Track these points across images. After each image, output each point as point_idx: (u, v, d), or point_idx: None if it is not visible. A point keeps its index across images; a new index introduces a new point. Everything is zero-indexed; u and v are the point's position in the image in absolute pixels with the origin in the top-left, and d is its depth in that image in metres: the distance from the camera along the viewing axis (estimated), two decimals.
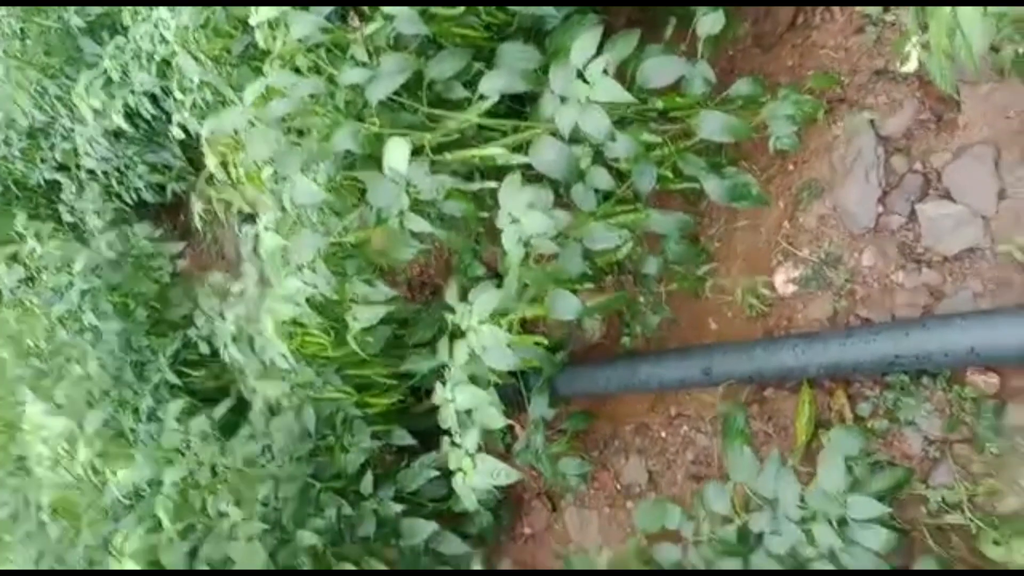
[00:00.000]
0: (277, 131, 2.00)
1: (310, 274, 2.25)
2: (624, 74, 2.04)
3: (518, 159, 2.14)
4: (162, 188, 4.50)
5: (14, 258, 3.91)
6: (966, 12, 1.51)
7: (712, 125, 2.09)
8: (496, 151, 2.14)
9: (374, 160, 2.15)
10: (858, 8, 2.26)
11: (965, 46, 1.56)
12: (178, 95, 2.48)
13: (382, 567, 2.50)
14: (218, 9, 2.30)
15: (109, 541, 2.43)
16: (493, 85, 1.98)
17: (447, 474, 2.36)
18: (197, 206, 3.10)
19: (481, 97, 2.05)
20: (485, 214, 2.30)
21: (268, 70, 2.01)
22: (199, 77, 2.15)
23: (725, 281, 2.46)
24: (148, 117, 3.57)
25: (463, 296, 2.17)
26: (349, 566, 2.46)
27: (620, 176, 2.26)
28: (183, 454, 2.60)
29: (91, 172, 4.46)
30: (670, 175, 2.27)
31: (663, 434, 2.61)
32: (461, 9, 2.05)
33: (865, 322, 2.17)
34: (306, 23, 1.98)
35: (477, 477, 2.13)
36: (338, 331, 2.51)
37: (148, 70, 2.91)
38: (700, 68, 2.03)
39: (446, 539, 2.59)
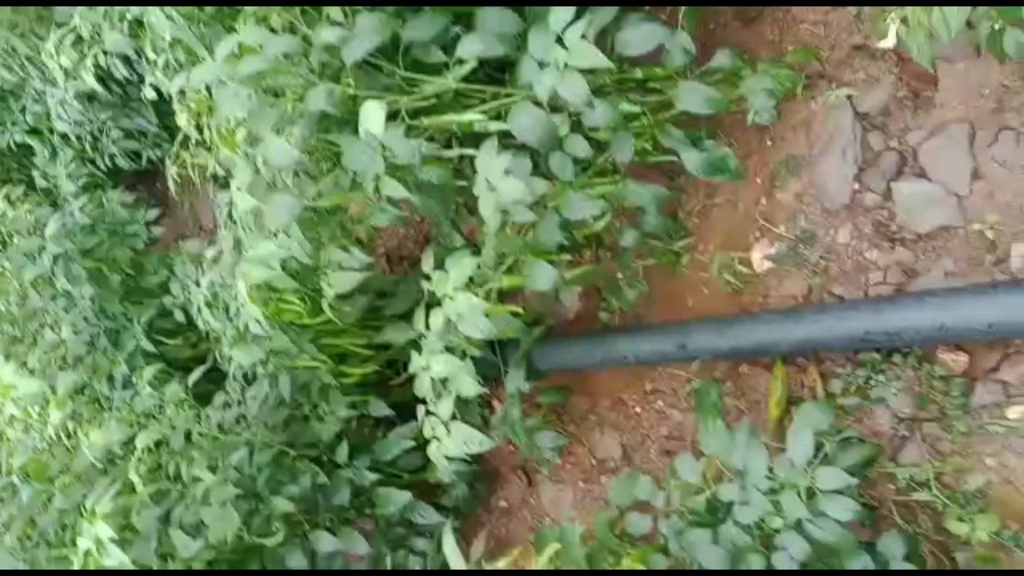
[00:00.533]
0: (249, 89, 1.96)
1: (284, 239, 2.22)
2: (605, 44, 2.02)
3: (496, 126, 2.12)
4: (137, 155, 4.42)
5: None
6: None
7: (691, 96, 2.08)
8: (474, 117, 2.12)
9: (350, 123, 2.12)
10: None
11: (943, 20, 1.56)
12: (150, 54, 2.43)
13: (356, 536, 2.50)
14: None
15: (82, 505, 2.41)
16: (472, 49, 1.95)
17: (423, 446, 2.37)
18: (172, 170, 3.04)
19: (459, 61, 2.02)
20: (463, 183, 2.28)
21: (241, 28, 1.97)
22: (171, 34, 2.10)
23: (702, 257, 2.47)
24: (121, 79, 3.49)
25: (439, 264, 2.16)
26: (324, 534, 2.46)
27: (599, 147, 2.24)
28: (157, 419, 2.58)
29: (64, 136, 4.37)
30: (649, 147, 2.27)
31: (638, 409, 2.62)
32: None
33: (838, 299, 2.18)
34: None
35: (451, 445, 2.13)
36: (314, 299, 2.49)
37: (120, 29, 2.83)
38: (680, 38, 2.01)
39: (421, 509, 2.60)
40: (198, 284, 2.80)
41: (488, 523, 2.84)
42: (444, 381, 2.14)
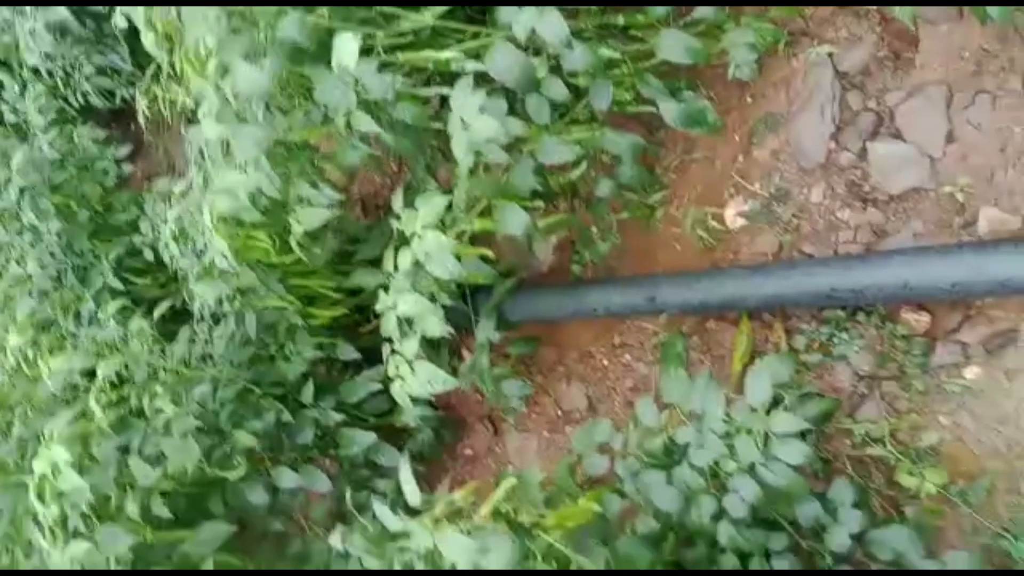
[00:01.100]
0: (218, 11, 1.91)
1: (253, 172, 2.18)
2: None
3: (473, 65, 2.08)
4: (111, 94, 4.31)
5: None
6: None
7: (672, 45, 2.05)
8: (451, 55, 2.08)
9: (323, 56, 2.07)
10: None
11: None
12: None
13: (318, 474, 2.51)
14: None
15: (41, 433, 2.39)
16: None
17: (390, 390, 2.36)
18: (142, 103, 2.96)
19: None
20: (439, 125, 2.24)
21: None
22: None
23: (676, 213, 2.46)
24: (93, 11, 3.38)
25: (410, 204, 2.13)
26: (285, 470, 2.47)
27: (577, 93, 2.22)
28: (120, 350, 2.55)
29: (35, 71, 4.24)
30: (628, 97, 2.24)
31: (605, 362, 2.64)
32: None
33: (807, 257, 2.19)
34: None
35: (415, 383, 2.12)
36: (283, 237, 2.45)
37: None
38: None
39: (384, 450, 2.61)
40: (166, 221, 2.74)
41: (452, 470, 2.86)
42: (410, 321, 2.13)
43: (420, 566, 1.85)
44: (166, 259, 2.84)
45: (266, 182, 2.23)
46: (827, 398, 2.01)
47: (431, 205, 2.01)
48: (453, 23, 2.10)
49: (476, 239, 2.27)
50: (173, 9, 2.04)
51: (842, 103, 2.18)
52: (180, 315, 3.04)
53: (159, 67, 2.61)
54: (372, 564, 2.11)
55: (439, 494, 1.87)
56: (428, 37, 2.15)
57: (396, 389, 2.20)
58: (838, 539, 1.70)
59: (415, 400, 2.30)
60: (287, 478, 2.47)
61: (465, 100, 1.96)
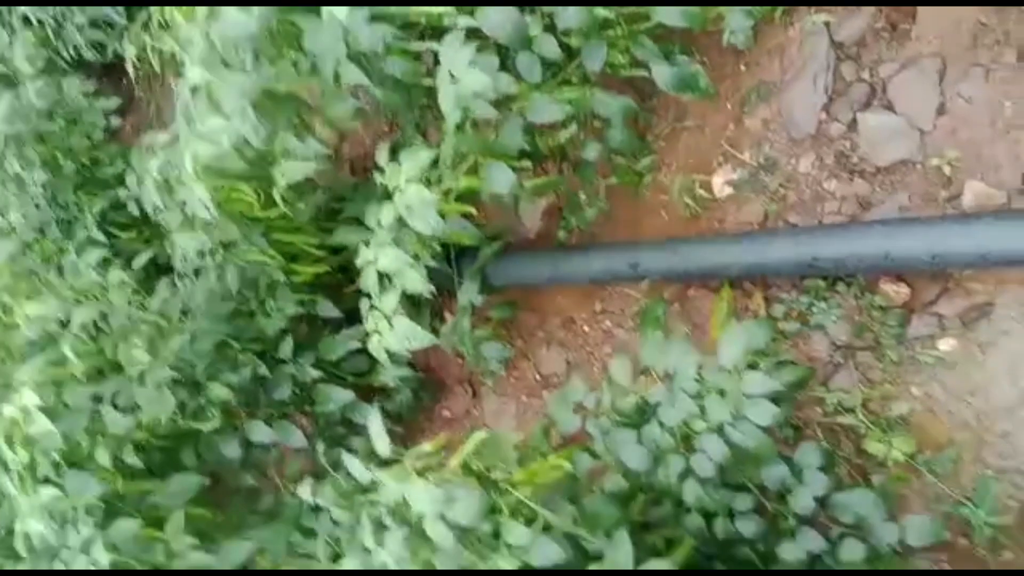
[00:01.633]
0: None
1: (238, 121, 2.15)
2: None
3: (466, 21, 2.05)
4: (102, 47, 4.26)
5: None
6: None
7: (669, 8, 2.02)
8: (443, 9, 2.05)
9: (314, 4, 2.04)
10: None
11: None
12: None
13: (293, 429, 2.50)
14: None
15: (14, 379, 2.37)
16: None
17: (368, 348, 2.35)
18: (130, 51, 2.91)
19: None
20: (429, 82, 2.21)
21: None
22: None
23: (664, 180, 2.44)
24: None
25: (395, 158, 2.11)
26: (259, 424, 2.46)
27: (569, 54, 2.19)
28: (97, 298, 2.53)
29: (25, 19, 4.18)
30: (621, 60, 2.21)
31: (586, 328, 2.63)
32: None
33: (791, 227, 2.18)
34: None
35: (393, 339, 2.11)
36: (267, 192, 2.43)
37: None
38: None
39: (361, 409, 2.60)
40: (150, 171, 2.71)
41: (429, 431, 2.86)
42: (390, 276, 2.11)
43: (389, 520, 1.85)
44: (150, 211, 2.81)
45: (251, 132, 2.20)
46: (801, 366, 2.01)
47: (415, 159, 1.99)
48: None
49: (463, 201, 2.25)
50: None
51: (836, 73, 2.16)
52: (164, 271, 3.02)
53: (149, 15, 2.57)
54: (342, 517, 2.11)
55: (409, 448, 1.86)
56: None
57: (374, 344, 2.19)
58: (802, 501, 1.71)
59: (392, 357, 2.29)
60: (261, 432, 2.47)
61: (455, 53, 1.93)
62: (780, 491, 1.76)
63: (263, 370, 2.51)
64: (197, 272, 2.77)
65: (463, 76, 1.93)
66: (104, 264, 2.88)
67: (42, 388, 2.17)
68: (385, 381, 2.69)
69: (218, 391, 2.37)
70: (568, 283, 2.57)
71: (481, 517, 1.66)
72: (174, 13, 2.31)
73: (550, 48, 2.06)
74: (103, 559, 2.16)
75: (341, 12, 1.99)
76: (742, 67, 2.34)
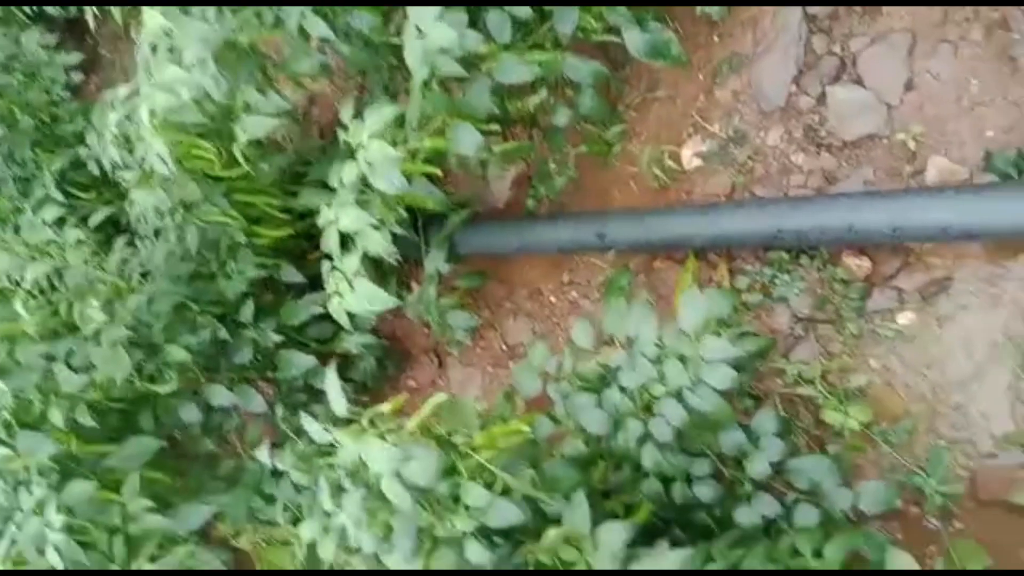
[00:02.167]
0: None
1: (199, 73, 2.09)
2: None
3: None
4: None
5: None
6: None
7: None
8: None
9: None
10: None
11: None
12: None
13: (253, 394, 2.47)
14: None
15: None
16: None
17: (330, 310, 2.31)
18: None
19: None
20: (397, 40, 2.16)
21: None
22: None
23: (634, 150, 2.43)
24: None
25: (359, 115, 2.06)
26: (219, 387, 2.42)
27: (542, 16, 2.16)
28: (52, 256, 2.45)
29: None
30: (594, 24, 2.18)
31: (553, 299, 2.62)
32: None
33: (758, 199, 2.18)
34: None
35: (354, 300, 2.08)
36: (229, 151, 2.36)
37: None
38: None
39: (324, 375, 2.55)
40: (109, 126, 2.62)
41: (393, 399, 2.83)
42: (352, 236, 2.08)
43: (348, 482, 1.83)
44: (108, 167, 2.73)
45: (212, 84, 2.14)
46: (763, 337, 2.02)
47: (379, 114, 1.94)
48: None
49: (430, 165, 2.21)
50: None
51: (807, 46, 2.16)
52: (124, 233, 2.94)
53: None
54: (301, 480, 2.09)
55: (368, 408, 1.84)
56: None
57: (334, 306, 2.15)
58: (759, 466, 1.72)
59: (354, 321, 2.26)
60: (220, 396, 2.43)
61: (422, 8, 1.88)
62: (737, 457, 1.78)
63: (223, 334, 2.46)
64: (157, 233, 2.70)
65: (430, 31, 1.89)
66: (60, 223, 2.80)
67: None
68: (348, 348, 2.66)
69: (176, 353, 2.32)
70: (536, 252, 2.55)
71: (438, 477, 1.65)
72: None
73: (521, 8, 2.02)
74: (56, 521, 2.11)
75: None
76: (715, 38, 2.33)
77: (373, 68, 2.39)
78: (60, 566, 2.01)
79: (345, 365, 2.77)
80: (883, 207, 1.85)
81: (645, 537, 1.67)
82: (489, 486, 1.72)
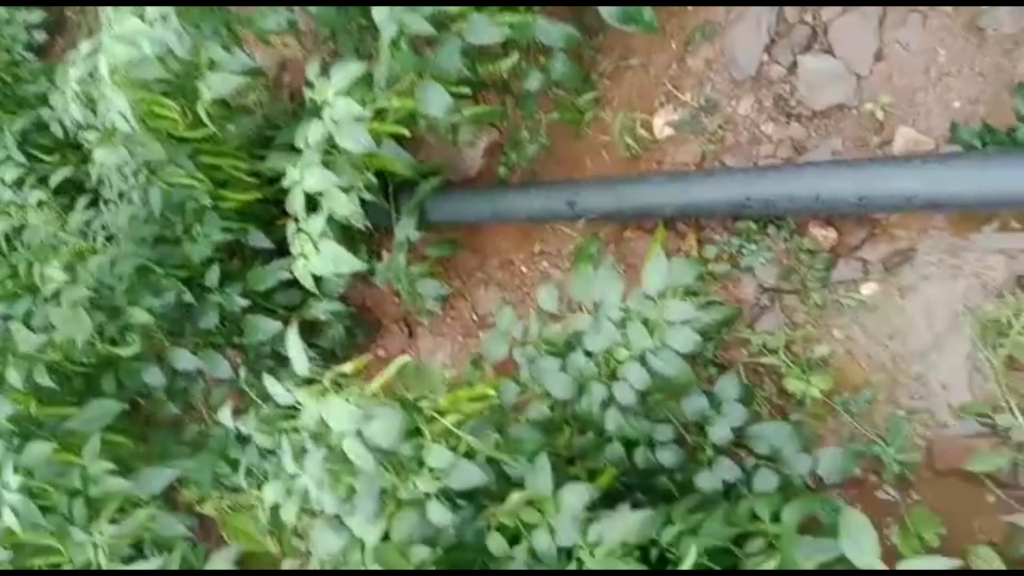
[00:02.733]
0: None
1: (160, 27, 2.03)
2: None
3: None
4: None
5: None
6: None
7: None
8: None
9: None
10: None
11: None
12: None
13: (218, 359, 2.43)
14: None
15: None
16: None
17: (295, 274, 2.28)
18: None
19: None
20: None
21: None
22: None
23: (606, 118, 2.41)
24: None
25: (324, 71, 2.02)
26: (183, 351, 2.38)
27: None
28: (11, 214, 2.39)
29: None
30: None
31: (524, 269, 2.61)
32: None
33: (727, 168, 2.18)
34: None
35: (319, 262, 2.05)
36: (194, 111, 2.31)
37: None
38: None
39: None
40: (70, 83, 2.55)
41: (363, 370, 2.81)
42: (318, 198, 2.04)
43: (310, 444, 1.81)
44: (71, 127, 2.65)
45: (174, 40, 2.08)
46: (728, 306, 2.03)
47: (345, 71, 1.91)
48: None
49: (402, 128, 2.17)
50: None
51: (779, 15, 2.15)
52: (90, 194, 2.87)
53: None
54: (265, 443, 2.07)
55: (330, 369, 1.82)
56: None
57: (299, 269, 2.12)
58: (720, 432, 1.74)
59: (321, 285, 2.23)
60: (185, 360, 2.39)
61: None
62: (699, 422, 1.79)
63: (188, 297, 2.42)
64: (121, 195, 2.64)
65: None
66: (19, 184, 2.72)
67: None
68: (316, 315, 2.63)
69: (139, 316, 2.28)
70: (507, 220, 2.53)
71: (401, 438, 1.64)
72: None
73: None
74: (14, 482, 2.08)
75: None
76: (689, 8, 2.31)
77: (343, 28, 2.35)
78: (16, 528, 1.98)
79: (314, 332, 2.74)
80: (850, 176, 1.86)
81: (608, 501, 1.68)
82: (453, 449, 1.71)
